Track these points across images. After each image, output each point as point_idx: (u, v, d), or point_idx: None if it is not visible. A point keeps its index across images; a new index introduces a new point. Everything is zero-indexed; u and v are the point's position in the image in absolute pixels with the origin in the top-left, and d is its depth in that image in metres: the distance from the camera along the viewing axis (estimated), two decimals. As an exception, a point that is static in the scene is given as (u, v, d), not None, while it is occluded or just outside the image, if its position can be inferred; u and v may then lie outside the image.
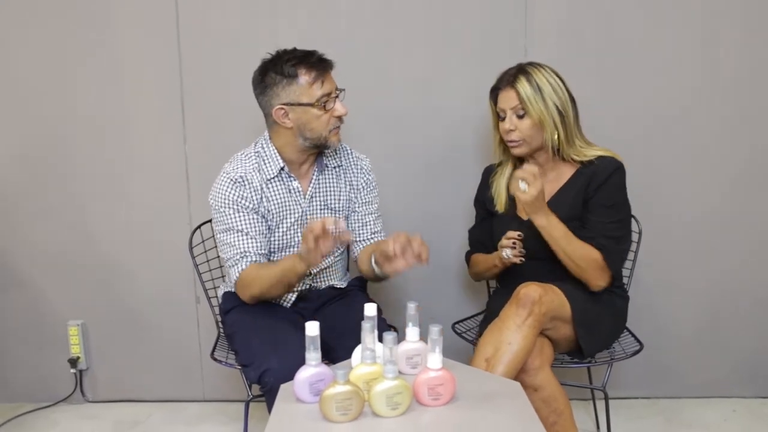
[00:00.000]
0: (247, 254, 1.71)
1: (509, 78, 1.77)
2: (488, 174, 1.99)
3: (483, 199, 1.98)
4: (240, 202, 1.72)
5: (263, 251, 1.74)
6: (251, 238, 1.72)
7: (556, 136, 1.75)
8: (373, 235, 1.87)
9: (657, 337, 2.27)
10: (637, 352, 1.81)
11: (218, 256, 2.11)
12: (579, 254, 1.72)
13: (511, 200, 1.85)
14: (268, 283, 1.68)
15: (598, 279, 1.75)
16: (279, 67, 1.67)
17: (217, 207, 1.74)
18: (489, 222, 1.95)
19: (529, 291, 1.61)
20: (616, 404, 2.29)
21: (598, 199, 1.76)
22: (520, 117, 1.76)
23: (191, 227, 2.19)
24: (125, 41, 2.21)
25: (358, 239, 1.88)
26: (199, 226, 2.09)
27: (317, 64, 1.68)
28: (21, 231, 2.34)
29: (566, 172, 1.83)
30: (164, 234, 2.31)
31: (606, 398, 1.87)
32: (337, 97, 1.71)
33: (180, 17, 2.18)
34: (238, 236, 1.72)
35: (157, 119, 2.26)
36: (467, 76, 2.19)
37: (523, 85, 1.74)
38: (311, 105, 1.67)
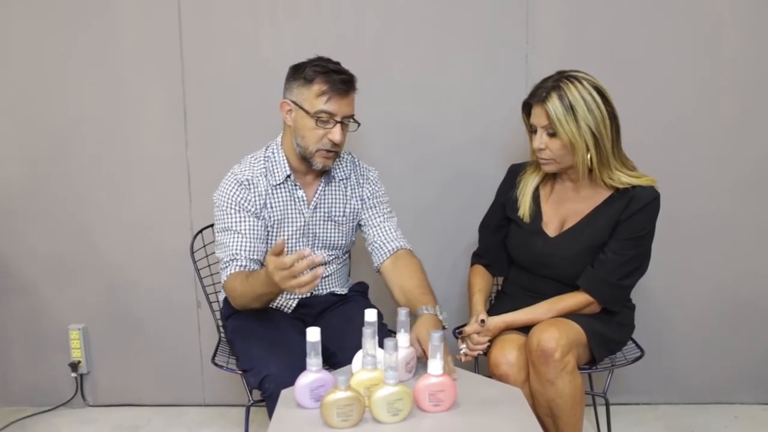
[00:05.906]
0: (237, 257, 1.66)
1: (542, 94, 1.62)
2: (514, 173, 1.85)
3: (504, 200, 1.84)
4: (242, 204, 1.71)
5: (256, 256, 1.69)
6: (247, 241, 1.69)
7: (588, 159, 1.63)
8: (393, 241, 1.80)
9: (658, 343, 2.27)
10: (638, 359, 1.80)
11: (219, 261, 2.11)
12: (575, 307, 1.69)
13: (536, 209, 1.77)
14: (248, 299, 1.62)
15: (598, 310, 1.72)
16: (306, 67, 1.66)
17: (219, 205, 1.73)
18: (505, 229, 1.85)
19: (544, 344, 1.53)
20: (617, 410, 2.28)
21: (625, 227, 1.66)
22: (552, 135, 1.63)
23: (192, 232, 2.20)
24: (127, 46, 2.21)
25: (377, 244, 1.83)
26: (201, 231, 2.10)
27: (335, 81, 1.63)
28: (22, 235, 2.34)
29: (601, 194, 1.71)
30: (166, 239, 2.31)
31: (607, 404, 1.87)
32: (340, 123, 1.66)
33: (182, 22, 2.19)
34: (233, 237, 1.69)
35: (159, 124, 2.26)
36: (468, 83, 2.19)
37: (554, 104, 1.59)
38: (308, 114, 1.65)
